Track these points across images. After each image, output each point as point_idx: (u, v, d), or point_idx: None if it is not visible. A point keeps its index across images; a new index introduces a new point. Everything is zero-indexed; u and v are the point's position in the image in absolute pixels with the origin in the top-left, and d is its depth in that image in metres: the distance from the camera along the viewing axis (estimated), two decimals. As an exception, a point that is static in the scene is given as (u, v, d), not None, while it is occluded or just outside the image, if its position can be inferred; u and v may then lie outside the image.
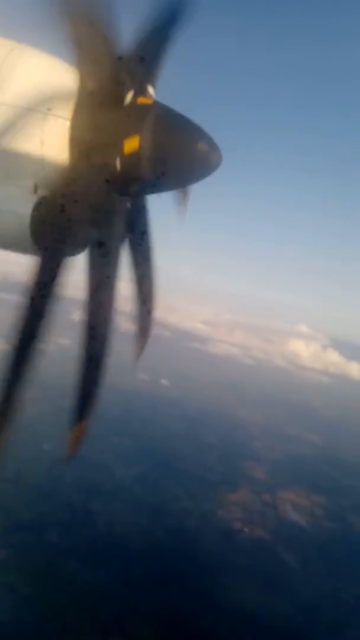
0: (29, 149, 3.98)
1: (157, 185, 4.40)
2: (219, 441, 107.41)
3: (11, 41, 4.31)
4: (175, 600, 52.50)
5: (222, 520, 72.53)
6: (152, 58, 4.43)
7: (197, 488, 79.87)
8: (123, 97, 4.09)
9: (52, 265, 3.97)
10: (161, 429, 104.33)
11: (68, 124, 3.99)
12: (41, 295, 3.86)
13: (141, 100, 4.15)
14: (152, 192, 4.65)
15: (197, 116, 4.19)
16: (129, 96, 4.12)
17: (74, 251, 4.28)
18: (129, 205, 4.52)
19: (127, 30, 4.18)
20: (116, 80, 4.06)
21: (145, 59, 4.32)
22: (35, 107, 3.98)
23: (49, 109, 3.98)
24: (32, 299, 3.85)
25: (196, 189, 4.69)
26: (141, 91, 4.21)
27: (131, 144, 3.96)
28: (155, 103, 4.23)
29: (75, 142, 4.01)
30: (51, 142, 3.98)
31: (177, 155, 4.12)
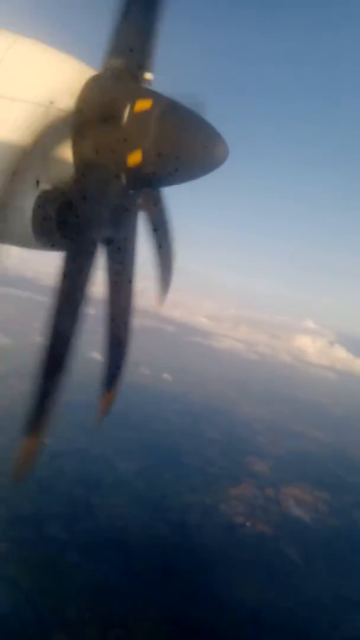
0: (30, 142, 3.90)
1: (157, 174, 4.29)
2: (222, 436, 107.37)
3: (14, 34, 4.29)
4: (176, 594, 52.46)
5: (224, 514, 72.47)
6: (140, 42, 4.35)
7: (199, 482, 79.88)
8: (121, 115, 4.00)
9: (83, 262, 4.00)
10: (163, 423, 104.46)
11: (71, 117, 3.95)
12: (73, 293, 3.93)
13: (140, 105, 4.01)
14: (150, 183, 4.58)
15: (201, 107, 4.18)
16: (126, 112, 4.01)
17: (59, 243, 4.24)
18: (119, 200, 4.35)
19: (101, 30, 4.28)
20: (108, 104, 4.00)
21: (133, 47, 4.27)
22: (37, 100, 3.95)
23: (52, 103, 3.93)
24: (65, 297, 3.89)
25: (202, 181, 4.58)
26: (139, 92, 4.14)
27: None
28: (155, 102, 4.04)
29: (78, 136, 3.97)
30: (53, 136, 3.93)
31: (183, 151, 4.04)
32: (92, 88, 4.02)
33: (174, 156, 3.99)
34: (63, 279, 3.94)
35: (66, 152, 4.00)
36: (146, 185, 4.42)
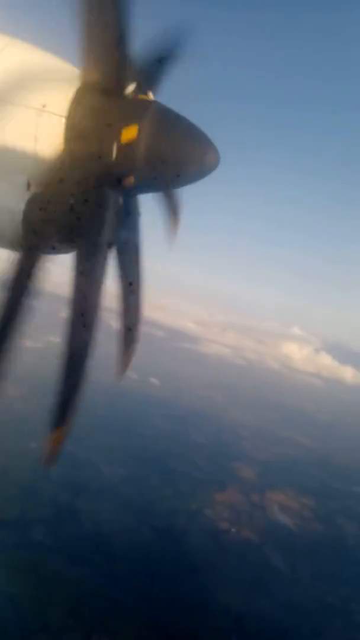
0: (22, 146, 3.96)
1: (151, 183, 4.36)
2: (208, 441, 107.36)
3: (6, 37, 4.32)
4: (160, 599, 52.23)
5: (209, 520, 72.42)
6: (154, 73, 4.64)
7: (185, 487, 79.80)
8: (124, 89, 4.11)
9: (30, 260, 3.94)
10: (150, 428, 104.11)
11: (63, 121, 3.95)
12: (18, 289, 3.87)
13: (142, 97, 4.20)
14: (146, 190, 4.65)
15: (194, 113, 4.23)
16: (131, 89, 4.17)
17: (62, 247, 4.19)
18: (120, 202, 4.38)
19: (139, 34, 4.19)
20: (120, 72, 4.04)
21: (150, 71, 4.56)
22: (30, 104, 3.97)
23: (44, 106, 3.95)
24: (10, 293, 3.84)
25: (193, 187, 4.69)
26: (142, 91, 4.27)
27: (129, 133, 3.93)
28: (156, 102, 4.23)
29: (70, 137, 3.97)
30: (45, 139, 3.95)
31: (174, 154, 4.08)
32: (78, 110, 3.98)
33: (166, 165, 4.07)
34: (75, 284, 3.96)
35: (58, 155, 3.99)
36: (140, 192, 4.51)
